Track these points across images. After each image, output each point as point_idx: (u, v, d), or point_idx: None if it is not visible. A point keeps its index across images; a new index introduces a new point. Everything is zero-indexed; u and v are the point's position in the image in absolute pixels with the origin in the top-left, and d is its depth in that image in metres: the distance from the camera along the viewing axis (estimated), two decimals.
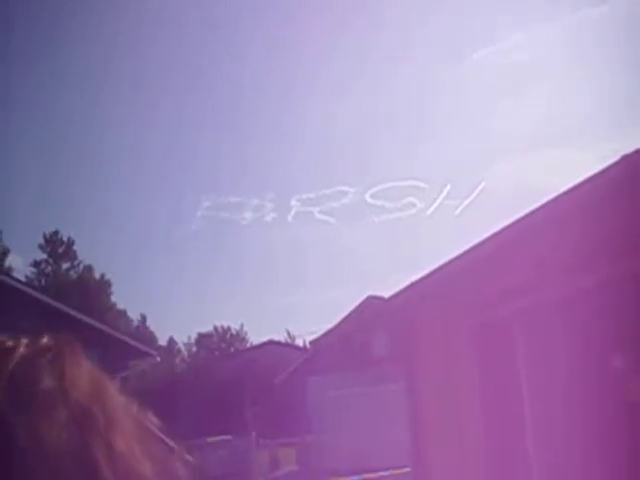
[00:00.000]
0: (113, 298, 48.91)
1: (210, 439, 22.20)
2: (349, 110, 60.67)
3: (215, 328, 56.53)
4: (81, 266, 48.77)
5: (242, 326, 56.10)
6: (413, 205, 55.54)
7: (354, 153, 64.51)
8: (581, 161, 39.02)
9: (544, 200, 5.98)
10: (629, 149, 5.03)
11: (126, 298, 54.02)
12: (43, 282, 46.11)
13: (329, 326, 22.39)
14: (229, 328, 56.38)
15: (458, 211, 50.54)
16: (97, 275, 48.27)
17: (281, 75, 64.71)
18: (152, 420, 0.90)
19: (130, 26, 60.79)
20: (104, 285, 48.05)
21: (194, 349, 57.01)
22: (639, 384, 5.56)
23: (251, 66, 61.04)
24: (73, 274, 48.49)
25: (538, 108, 54.72)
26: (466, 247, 7.17)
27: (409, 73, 62.62)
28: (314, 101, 66.37)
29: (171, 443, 1.00)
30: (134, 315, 53.79)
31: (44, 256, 48.28)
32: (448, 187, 52.97)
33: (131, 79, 64.29)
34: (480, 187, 55.29)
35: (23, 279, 27.92)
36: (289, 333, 48.61)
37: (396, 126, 61.83)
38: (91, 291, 44.91)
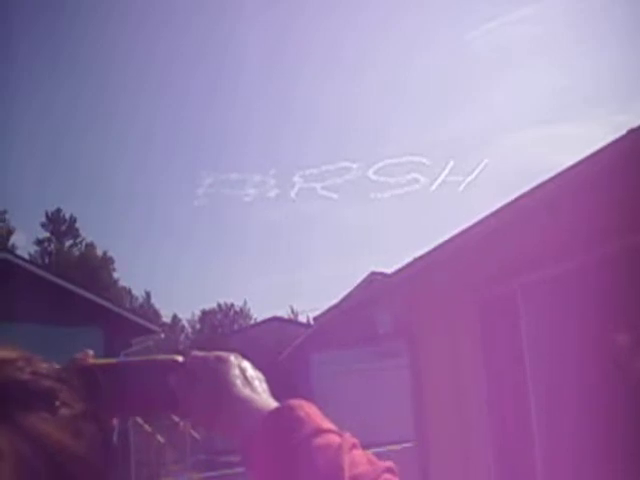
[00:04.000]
0: (117, 275, 49.04)
1: None
2: (352, 86, 60.37)
3: (219, 305, 56.72)
4: (84, 243, 48.83)
5: (245, 302, 56.28)
6: (416, 181, 55.49)
7: (357, 129, 64.34)
8: (587, 136, 38.91)
9: (549, 175, 5.95)
10: (637, 122, 4.99)
11: (130, 275, 54.22)
12: (47, 260, 46.20)
13: (333, 302, 22.44)
14: (232, 305, 56.56)
15: (462, 187, 50.43)
16: (100, 252, 48.31)
17: (284, 51, 64.36)
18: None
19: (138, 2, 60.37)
20: (107, 262, 48.11)
21: (198, 326, 57.23)
22: None
23: (253, 42, 60.67)
24: (76, 252, 48.55)
25: (543, 83, 54.38)
26: (470, 223, 7.15)
27: (412, 49, 62.24)
28: (317, 77, 66.08)
29: (177, 419, 1.00)
30: (138, 292, 53.98)
31: (47, 234, 48.36)
32: (451, 163, 52.86)
33: (132, 56, 63.95)
34: (484, 163, 55.16)
35: (27, 257, 27.94)
36: (293, 309, 48.75)
37: (398, 102, 61.57)
38: (94, 268, 44.99)
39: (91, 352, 0.89)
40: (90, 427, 0.75)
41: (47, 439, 0.69)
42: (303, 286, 67.50)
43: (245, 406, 0.87)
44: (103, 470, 0.75)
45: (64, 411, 0.72)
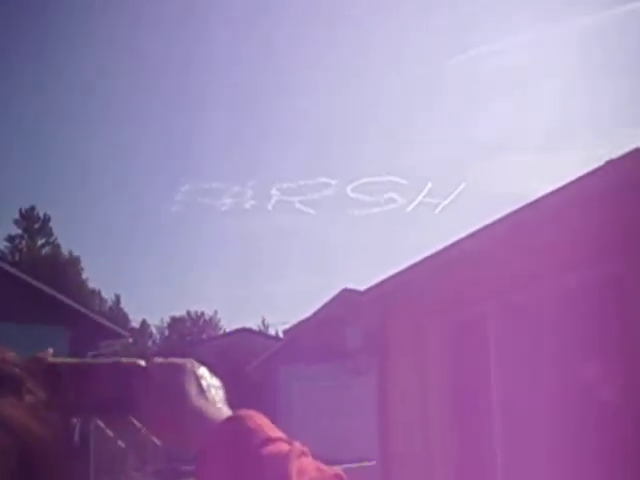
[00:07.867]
0: (87, 277, 48.60)
1: None
2: (334, 104, 60.63)
3: (188, 313, 56.38)
4: (56, 243, 48.38)
5: (216, 312, 56.01)
6: (394, 201, 55.64)
7: (337, 146, 64.61)
8: (564, 165, 39.35)
9: (524, 202, 5.99)
10: (615, 154, 5.04)
11: (101, 278, 53.82)
12: (17, 257, 45.69)
13: (304, 316, 22.40)
14: (202, 314, 56.25)
15: (438, 210, 50.78)
16: (67, 252, 47.78)
17: (266, 65, 64.51)
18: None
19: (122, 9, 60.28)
20: (74, 262, 47.60)
21: (166, 333, 56.83)
22: (611, 387, 5.60)
23: (235, 52, 60.81)
24: (48, 251, 48.08)
25: (522, 111, 55.02)
26: (444, 245, 7.18)
27: (394, 70, 62.69)
28: (299, 92, 66.30)
29: (138, 425, 0.99)
30: (108, 295, 53.54)
31: (19, 231, 47.83)
32: (429, 185, 53.23)
33: (115, 59, 63.78)
34: (461, 187, 55.62)
35: None
36: (264, 322, 48.61)
37: (379, 122, 61.96)
38: (64, 269, 44.54)
39: (51, 350, 0.89)
40: (54, 416, 0.76)
41: (14, 422, 0.70)
42: (275, 299, 67.34)
43: (196, 417, 0.86)
44: (67, 458, 0.76)
45: (30, 398, 0.74)
